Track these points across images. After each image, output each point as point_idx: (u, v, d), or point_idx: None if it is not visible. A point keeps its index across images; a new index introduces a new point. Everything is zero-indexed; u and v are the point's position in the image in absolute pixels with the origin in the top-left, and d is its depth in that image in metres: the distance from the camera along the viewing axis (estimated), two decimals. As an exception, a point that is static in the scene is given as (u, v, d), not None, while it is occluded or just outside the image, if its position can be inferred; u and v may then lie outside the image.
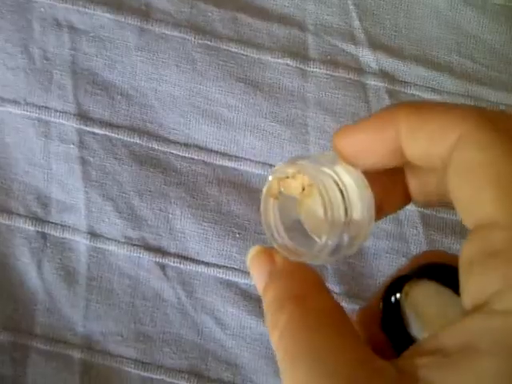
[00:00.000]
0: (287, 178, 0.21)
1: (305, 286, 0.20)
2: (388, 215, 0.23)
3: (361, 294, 0.35)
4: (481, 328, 0.15)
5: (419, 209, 0.35)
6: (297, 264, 0.21)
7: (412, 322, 0.20)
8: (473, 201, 0.16)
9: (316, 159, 0.21)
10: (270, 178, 0.21)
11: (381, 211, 0.21)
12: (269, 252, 0.22)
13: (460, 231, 0.36)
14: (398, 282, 0.21)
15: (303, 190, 0.21)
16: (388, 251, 0.35)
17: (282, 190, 0.21)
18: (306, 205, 0.21)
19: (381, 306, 0.22)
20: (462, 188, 0.17)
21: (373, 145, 0.20)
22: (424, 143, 0.18)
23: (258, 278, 0.22)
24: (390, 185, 0.22)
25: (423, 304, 0.20)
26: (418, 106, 0.18)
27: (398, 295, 0.21)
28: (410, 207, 0.35)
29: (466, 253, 0.17)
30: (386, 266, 0.35)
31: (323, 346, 0.17)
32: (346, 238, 0.20)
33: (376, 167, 0.20)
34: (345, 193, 0.20)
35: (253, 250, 0.23)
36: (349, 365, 0.16)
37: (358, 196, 0.20)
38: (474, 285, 0.16)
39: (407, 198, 0.22)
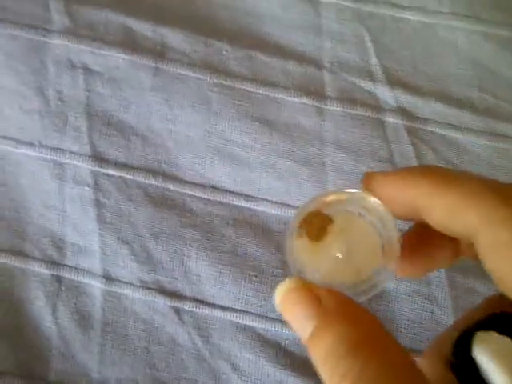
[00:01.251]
0: (311, 216, 0.22)
1: (371, 331, 0.18)
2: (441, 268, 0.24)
3: None
4: None
5: None
6: (352, 304, 0.19)
7: (492, 378, 0.19)
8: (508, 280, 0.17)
9: (342, 198, 0.22)
10: (296, 217, 0.22)
11: (433, 263, 0.22)
12: (310, 289, 0.20)
13: (483, 273, 0.35)
14: (467, 336, 0.20)
15: (324, 230, 0.22)
16: (410, 294, 0.34)
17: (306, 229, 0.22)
18: (332, 244, 0.22)
19: (452, 359, 0.21)
20: (501, 267, 0.18)
21: (396, 199, 0.20)
22: (442, 213, 0.19)
23: (299, 323, 0.19)
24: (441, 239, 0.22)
25: (500, 362, 0.19)
26: (441, 173, 0.19)
27: (474, 352, 0.20)
28: None
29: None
30: (407, 309, 0.34)
31: None
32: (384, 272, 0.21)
33: (402, 219, 0.21)
34: (381, 230, 0.21)
35: (285, 286, 0.20)
36: None
37: (390, 231, 0.21)
38: None
39: (458, 253, 0.23)
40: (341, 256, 0.22)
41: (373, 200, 0.21)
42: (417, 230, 0.23)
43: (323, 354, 0.18)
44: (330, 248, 0.22)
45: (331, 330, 0.18)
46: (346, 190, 0.22)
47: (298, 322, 0.19)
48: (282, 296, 0.20)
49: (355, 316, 0.19)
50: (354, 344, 0.18)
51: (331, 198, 0.22)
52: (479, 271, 0.34)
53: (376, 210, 0.21)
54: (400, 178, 0.20)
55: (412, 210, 0.20)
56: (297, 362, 0.33)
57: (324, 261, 0.22)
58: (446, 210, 0.18)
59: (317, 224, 0.22)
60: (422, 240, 0.22)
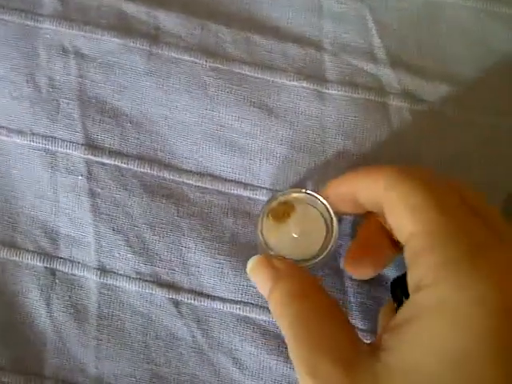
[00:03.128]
0: (280, 204, 0.31)
1: (306, 287, 0.26)
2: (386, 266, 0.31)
3: None
4: (416, 301, 0.23)
5: None
6: (297, 268, 0.28)
7: None
8: (400, 227, 0.25)
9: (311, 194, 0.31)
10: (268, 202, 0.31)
11: (379, 262, 0.31)
12: (269, 260, 0.28)
13: None
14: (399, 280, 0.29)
15: (288, 215, 0.31)
16: None
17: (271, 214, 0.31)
18: (291, 226, 0.30)
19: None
20: (393, 220, 0.25)
21: (342, 197, 0.29)
22: (367, 192, 0.27)
23: (262, 283, 0.28)
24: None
25: None
26: (366, 170, 0.28)
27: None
28: None
29: (405, 257, 0.25)
30: None
31: (324, 332, 0.24)
32: (330, 248, 0.30)
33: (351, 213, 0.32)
34: (327, 219, 0.31)
35: (253, 260, 0.29)
36: (342, 345, 0.24)
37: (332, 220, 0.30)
38: (410, 276, 0.24)
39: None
40: (296, 236, 0.30)
41: (321, 198, 0.30)
42: (362, 235, 0.31)
43: (274, 305, 0.26)
44: (289, 229, 0.30)
45: (280, 287, 0.26)
46: (307, 191, 0.31)
47: (261, 284, 0.28)
48: (251, 265, 0.29)
49: (296, 276, 0.27)
50: (292, 295, 0.26)
51: (295, 194, 0.31)
52: None
53: (323, 205, 0.30)
54: (344, 179, 0.29)
55: (353, 202, 0.28)
56: None
57: (284, 239, 0.30)
58: (367, 189, 0.27)
59: (281, 210, 0.31)
60: (367, 243, 0.30)
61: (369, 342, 0.32)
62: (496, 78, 0.35)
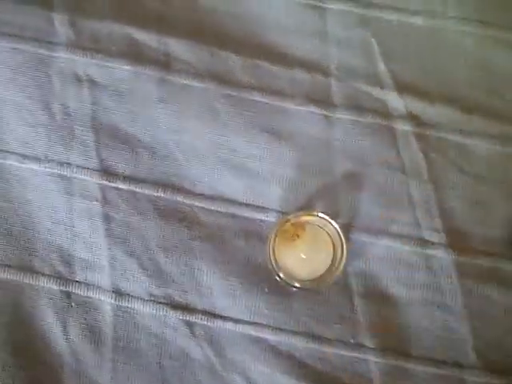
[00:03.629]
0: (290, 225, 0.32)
1: None
2: None
3: (396, 347, 0.33)
4: None
5: (453, 256, 0.34)
6: None
7: None
8: None
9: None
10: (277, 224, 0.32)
11: None
12: None
13: (499, 278, 0.34)
14: None
15: (297, 236, 0.32)
16: (422, 302, 0.34)
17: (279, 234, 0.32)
18: (300, 247, 0.32)
19: None
20: None
21: None
22: None
23: None
24: None
25: None
26: None
27: None
28: (444, 255, 0.34)
29: None
30: (419, 317, 0.33)
31: None
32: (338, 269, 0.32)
33: None
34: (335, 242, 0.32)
35: None
36: None
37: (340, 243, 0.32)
38: None
39: None
40: (304, 256, 0.32)
41: (331, 221, 0.31)
42: None
43: None
44: (298, 250, 0.32)
45: None
46: (318, 214, 0.32)
47: None
48: None
49: None
50: None
51: (307, 216, 0.32)
52: (495, 276, 0.34)
53: (333, 227, 0.32)
54: None
55: None
56: (311, 373, 0.33)
57: (292, 259, 0.32)
58: None
59: (291, 231, 0.32)
60: None
61: (376, 361, 0.33)
62: (499, 100, 0.36)
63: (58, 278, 0.34)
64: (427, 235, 0.34)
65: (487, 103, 0.36)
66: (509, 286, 0.34)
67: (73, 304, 0.34)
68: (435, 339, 0.33)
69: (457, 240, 0.34)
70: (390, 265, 0.34)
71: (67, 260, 0.34)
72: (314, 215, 0.32)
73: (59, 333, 0.33)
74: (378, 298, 0.34)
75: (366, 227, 0.34)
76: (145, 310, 0.33)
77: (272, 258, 0.31)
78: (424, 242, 0.34)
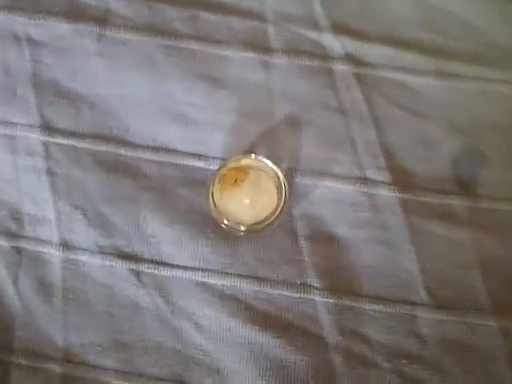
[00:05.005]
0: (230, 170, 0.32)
1: None
2: None
3: (343, 287, 0.33)
4: None
5: (398, 193, 0.34)
6: None
7: None
8: None
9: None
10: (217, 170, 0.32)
11: None
12: None
13: (443, 214, 0.34)
14: None
15: (240, 181, 0.32)
16: (366, 240, 0.34)
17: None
18: (243, 192, 0.32)
19: None
20: None
21: None
22: None
23: None
24: None
25: None
26: None
27: None
28: (388, 193, 0.34)
29: None
30: (365, 256, 0.33)
31: None
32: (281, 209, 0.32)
33: None
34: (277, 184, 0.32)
35: None
36: None
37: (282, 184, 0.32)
38: None
39: None
40: (247, 201, 0.32)
41: (270, 163, 0.31)
42: None
43: None
44: (242, 195, 0.31)
45: None
46: (257, 157, 0.32)
47: None
48: None
49: None
50: None
51: (245, 160, 0.32)
52: (440, 212, 0.33)
53: (273, 170, 0.31)
54: None
55: None
56: (257, 315, 0.33)
57: (236, 204, 0.32)
58: None
59: (233, 176, 0.32)
60: None
61: (323, 301, 0.32)
62: (438, 36, 0.35)
63: (8, 234, 0.34)
64: (370, 174, 0.34)
65: (425, 39, 0.35)
66: (454, 222, 0.34)
67: (23, 258, 0.34)
68: (383, 277, 0.33)
69: (401, 178, 0.34)
70: (333, 206, 0.34)
71: (16, 216, 0.34)
72: (252, 158, 0.32)
73: (10, 287, 0.34)
74: (324, 238, 0.34)
75: (309, 170, 0.34)
76: (93, 262, 0.34)
77: (213, 203, 0.31)
78: (367, 181, 0.34)
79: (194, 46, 0.35)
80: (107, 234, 0.34)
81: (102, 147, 0.35)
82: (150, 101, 0.35)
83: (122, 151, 0.35)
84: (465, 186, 0.34)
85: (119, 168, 0.34)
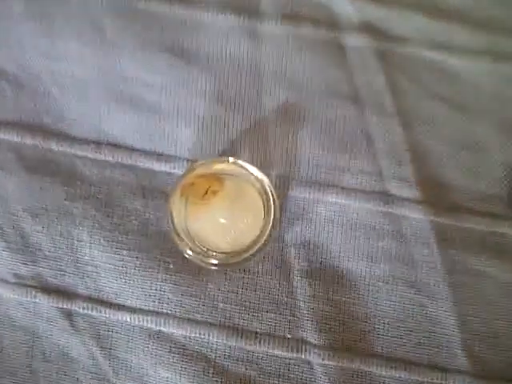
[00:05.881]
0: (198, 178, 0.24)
1: None
2: None
3: (350, 345, 0.26)
4: None
5: (431, 217, 0.26)
6: None
7: None
8: None
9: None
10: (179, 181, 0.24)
11: None
12: None
13: (493, 246, 0.26)
14: None
15: (213, 193, 0.24)
16: (387, 281, 0.26)
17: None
18: (217, 208, 0.24)
19: None
20: None
21: None
22: None
23: None
24: None
25: None
26: None
27: None
28: (417, 214, 0.26)
29: None
30: (384, 301, 0.26)
31: None
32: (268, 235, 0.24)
33: None
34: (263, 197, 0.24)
35: None
36: None
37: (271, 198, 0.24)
38: None
39: None
40: (224, 221, 0.24)
41: (255, 170, 0.24)
42: None
43: None
44: (215, 212, 0.24)
45: None
46: (236, 161, 0.24)
47: None
48: None
49: None
50: None
51: (220, 165, 0.24)
52: (488, 244, 0.26)
53: (259, 179, 0.24)
54: None
55: None
56: (232, 380, 0.26)
57: (208, 224, 0.24)
58: None
59: (202, 186, 0.24)
60: None
61: (322, 363, 0.26)
62: (488, 4, 0.28)
63: None
64: (393, 187, 0.27)
65: (475, 7, 0.28)
66: (509, 258, 0.26)
67: None
68: (408, 333, 0.26)
69: (435, 194, 0.27)
70: (342, 230, 0.27)
71: None
72: (229, 162, 0.24)
73: None
74: (326, 276, 0.26)
75: (308, 179, 0.27)
76: (8, 296, 0.27)
77: (173, 224, 0.24)
78: (389, 198, 0.27)
79: (154, 5, 0.28)
80: (28, 260, 0.27)
81: (27, 140, 0.28)
82: (93, 79, 0.28)
83: (53, 146, 0.28)
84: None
85: (48, 169, 0.28)
